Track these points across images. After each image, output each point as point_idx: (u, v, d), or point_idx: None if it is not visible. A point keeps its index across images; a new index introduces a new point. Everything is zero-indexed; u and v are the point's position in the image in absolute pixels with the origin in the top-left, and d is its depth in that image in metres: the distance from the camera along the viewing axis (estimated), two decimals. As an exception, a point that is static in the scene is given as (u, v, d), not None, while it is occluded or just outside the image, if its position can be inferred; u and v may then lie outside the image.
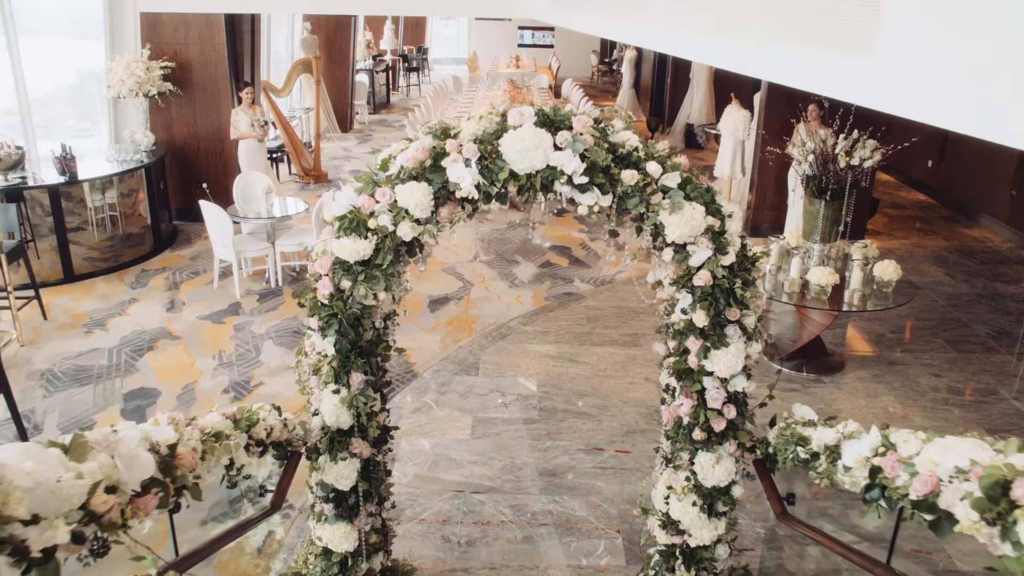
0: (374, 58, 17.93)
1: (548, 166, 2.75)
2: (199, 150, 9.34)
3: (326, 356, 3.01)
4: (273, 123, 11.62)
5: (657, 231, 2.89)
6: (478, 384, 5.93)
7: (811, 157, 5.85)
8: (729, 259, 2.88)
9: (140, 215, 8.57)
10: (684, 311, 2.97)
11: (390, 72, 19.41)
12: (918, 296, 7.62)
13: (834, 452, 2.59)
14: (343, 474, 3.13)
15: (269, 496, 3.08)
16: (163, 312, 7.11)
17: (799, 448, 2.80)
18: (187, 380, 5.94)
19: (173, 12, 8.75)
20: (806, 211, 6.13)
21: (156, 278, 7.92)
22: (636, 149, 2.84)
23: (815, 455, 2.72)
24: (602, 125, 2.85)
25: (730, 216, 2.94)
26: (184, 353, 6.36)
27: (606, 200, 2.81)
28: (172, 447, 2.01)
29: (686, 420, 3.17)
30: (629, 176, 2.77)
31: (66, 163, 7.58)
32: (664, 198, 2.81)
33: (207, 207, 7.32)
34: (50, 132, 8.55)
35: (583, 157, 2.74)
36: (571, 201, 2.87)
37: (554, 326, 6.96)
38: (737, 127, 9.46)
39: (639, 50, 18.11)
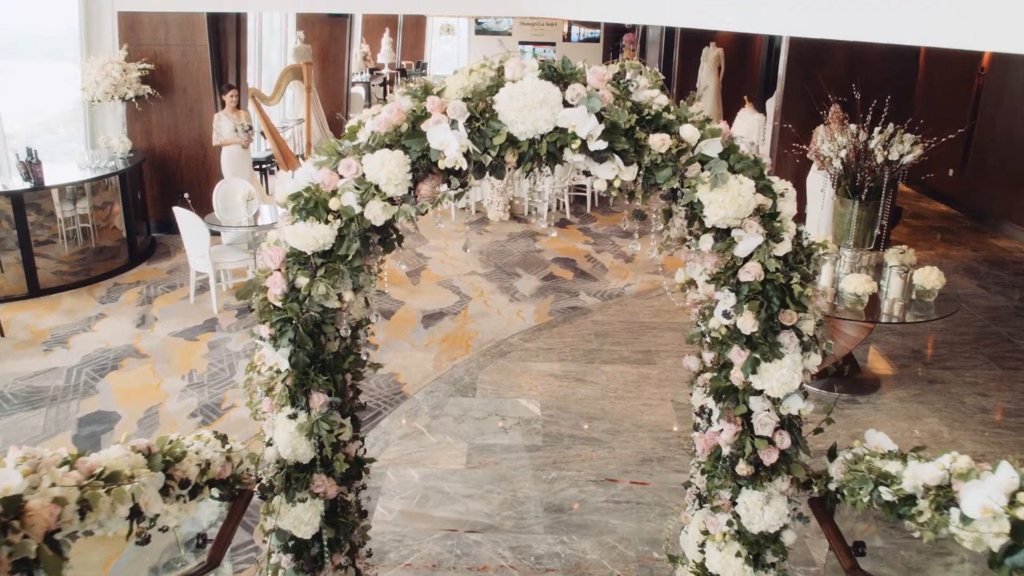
0: (371, 71, 17.47)
1: (556, 128, 2.17)
2: (180, 158, 8.80)
3: (279, 372, 2.41)
4: (262, 132, 11.09)
5: (694, 212, 2.29)
6: (475, 407, 5.32)
7: (843, 153, 5.27)
8: (784, 247, 2.29)
9: (115, 227, 8.02)
10: (727, 314, 2.37)
11: (387, 86, 18.95)
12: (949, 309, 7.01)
13: (942, 495, 1.97)
14: (303, 519, 2.52)
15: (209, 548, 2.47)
16: (132, 328, 6.51)
17: (882, 488, 2.18)
18: (151, 403, 5.33)
19: (152, 11, 8.25)
20: (837, 213, 5.55)
21: (128, 292, 7.34)
22: (666, 109, 2.25)
23: (909, 498, 2.10)
24: (623, 82, 2.27)
25: (783, 195, 2.36)
26: (150, 373, 5.75)
27: (630, 172, 2.22)
28: (14, 500, 1.41)
29: (727, 450, 2.56)
30: (659, 141, 2.18)
31: (31, 168, 7.02)
32: (703, 170, 2.22)
33: (181, 214, 6.75)
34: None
35: (600, 118, 2.16)
36: (586, 174, 2.28)
37: (559, 343, 6.36)
38: (751, 130, 8.91)
39: (644, 60, 17.67)
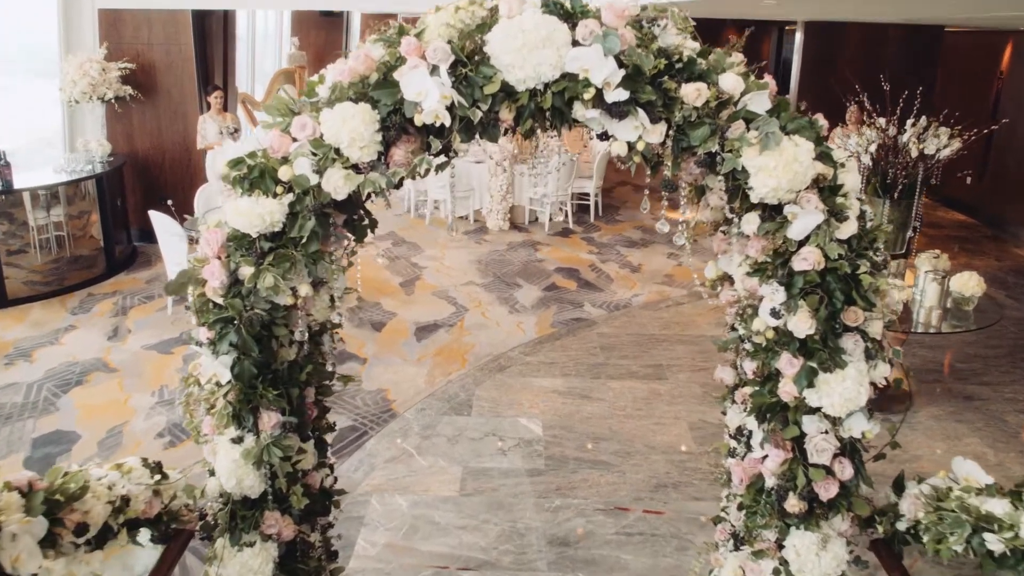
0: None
1: (564, 75, 1.72)
2: (164, 163, 8.37)
3: (219, 385, 1.94)
4: (252, 139, 10.66)
5: (736, 184, 1.83)
6: (470, 426, 4.84)
7: (873, 147, 4.83)
8: (849, 228, 1.83)
9: (92, 236, 7.58)
10: (775, 313, 1.90)
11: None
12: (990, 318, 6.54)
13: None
14: (251, 567, 2.04)
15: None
16: (103, 341, 6.04)
17: (987, 535, 1.71)
18: (116, 421, 4.85)
19: (135, 8, 7.85)
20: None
21: (102, 303, 6.87)
22: (701, 54, 1.80)
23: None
24: (648, 23, 1.82)
25: (843, 165, 1.90)
26: (118, 388, 5.28)
27: (657, 132, 1.76)
28: None
29: (772, 482, 2.08)
30: (693, 92, 1.73)
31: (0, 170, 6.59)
32: (749, 129, 1.77)
33: (158, 218, 6.31)
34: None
35: (619, 62, 1.70)
36: (602, 136, 1.82)
37: (562, 356, 5.89)
38: (763, 135, 8.48)
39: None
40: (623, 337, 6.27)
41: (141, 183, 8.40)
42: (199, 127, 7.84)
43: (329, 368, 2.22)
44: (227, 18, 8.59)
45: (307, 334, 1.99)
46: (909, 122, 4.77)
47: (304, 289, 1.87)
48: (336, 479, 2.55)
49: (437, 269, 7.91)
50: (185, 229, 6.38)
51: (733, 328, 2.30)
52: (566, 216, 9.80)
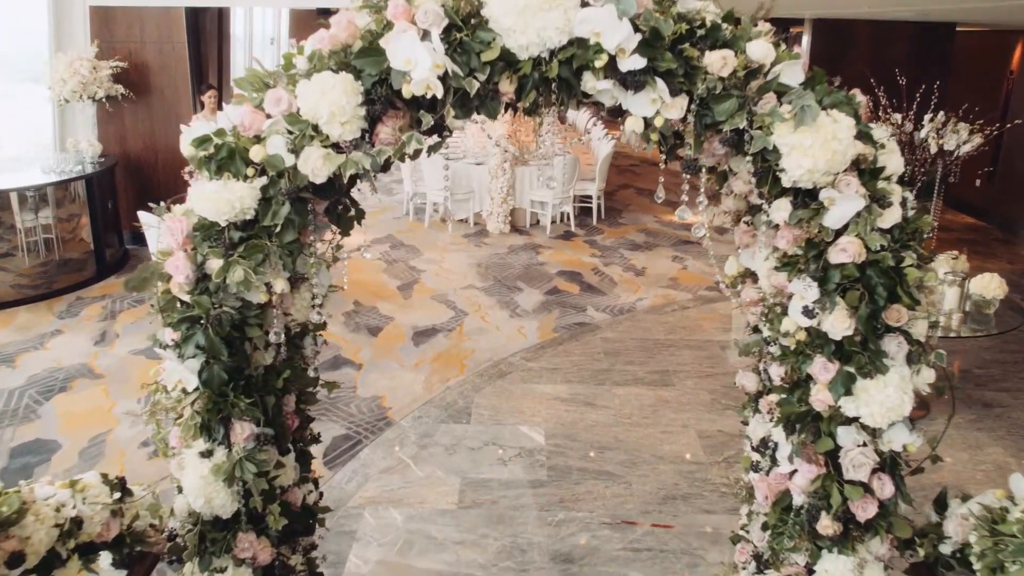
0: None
1: (573, 39, 1.52)
2: (157, 164, 8.18)
3: (186, 393, 1.74)
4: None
5: (767, 165, 1.63)
6: (469, 435, 4.62)
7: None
8: (892, 216, 1.63)
9: (82, 239, 7.38)
10: (808, 311, 1.70)
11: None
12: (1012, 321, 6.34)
13: None
14: (222, 595, 1.83)
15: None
16: (89, 346, 5.84)
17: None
18: (99, 429, 4.64)
19: (127, 6, 7.67)
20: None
21: (91, 307, 6.67)
22: (726, 19, 1.60)
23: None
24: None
25: (883, 146, 1.70)
26: (103, 395, 5.07)
27: (677, 106, 1.56)
28: None
29: (801, 499, 1.87)
30: (719, 60, 1.53)
31: (-15, 171, 6.39)
32: (781, 103, 1.56)
33: (147, 219, 6.11)
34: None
35: (635, 27, 1.50)
36: (614, 112, 1.62)
37: (565, 362, 5.68)
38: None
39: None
40: (628, 342, 6.06)
41: (133, 185, 8.20)
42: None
43: (312, 374, 2.01)
44: (221, 16, 8.42)
45: (284, 336, 1.78)
46: (927, 117, 4.58)
47: (280, 285, 1.66)
48: (322, 495, 2.34)
49: (436, 272, 7.71)
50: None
51: (756, 329, 2.09)
52: (568, 219, 9.60)
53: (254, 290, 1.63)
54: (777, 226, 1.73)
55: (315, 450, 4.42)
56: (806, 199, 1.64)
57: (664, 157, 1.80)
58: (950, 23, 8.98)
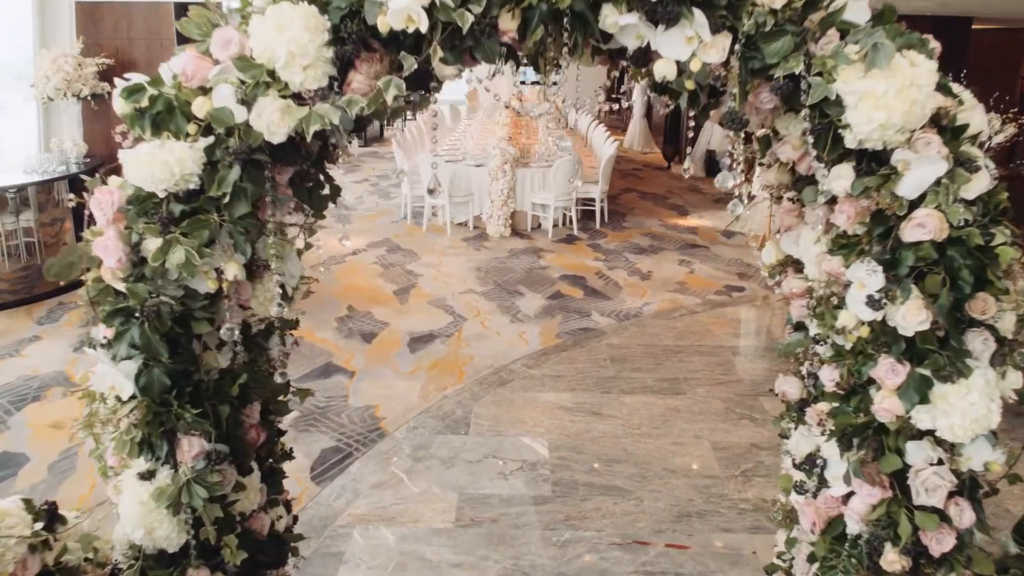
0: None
1: (589, -40, 1.22)
2: (145, 165, 7.89)
3: (121, 401, 1.44)
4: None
5: (826, 122, 1.33)
6: (468, 447, 4.32)
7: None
8: (979, 185, 1.33)
9: (66, 243, 7.09)
10: (874, 301, 1.40)
11: (384, 105, 18.19)
12: None
13: None
14: (168, 643, 1.52)
15: None
16: (68, 353, 5.53)
17: None
18: (72, 442, 4.32)
19: (115, 0, 7.41)
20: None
21: (73, 313, 6.37)
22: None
23: None
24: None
25: (961, 102, 1.40)
26: (78, 405, 4.75)
27: (718, 46, 1.27)
28: None
29: (858, 528, 1.57)
30: (770, -11, 1.23)
31: (-39, 170, 6.11)
32: (846, 43, 1.27)
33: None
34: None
35: (665, -52, 1.21)
36: (638, 59, 1.32)
37: (569, 369, 5.37)
38: (780, 135, 8.00)
39: (651, 77, 16.89)
40: (635, 348, 5.75)
41: (121, 187, 7.91)
42: (181, 126, 7.37)
43: (279, 379, 1.71)
44: (213, 13, 8.15)
45: (240, 333, 1.48)
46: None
47: (232, 270, 1.37)
48: (295, 519, 2.04)
49: (434, 277, 7.41)
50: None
51: (798, 327, 1.79)
52: (570, 222, 9.32)
53: (200, 276, 1.33)
54: (834, 200, 1.43)
55: (302, 464, 4.13)
56: (872, 163, 1.34)
57: (693, 124, 1.50)
58: (966, 18, 8.72)
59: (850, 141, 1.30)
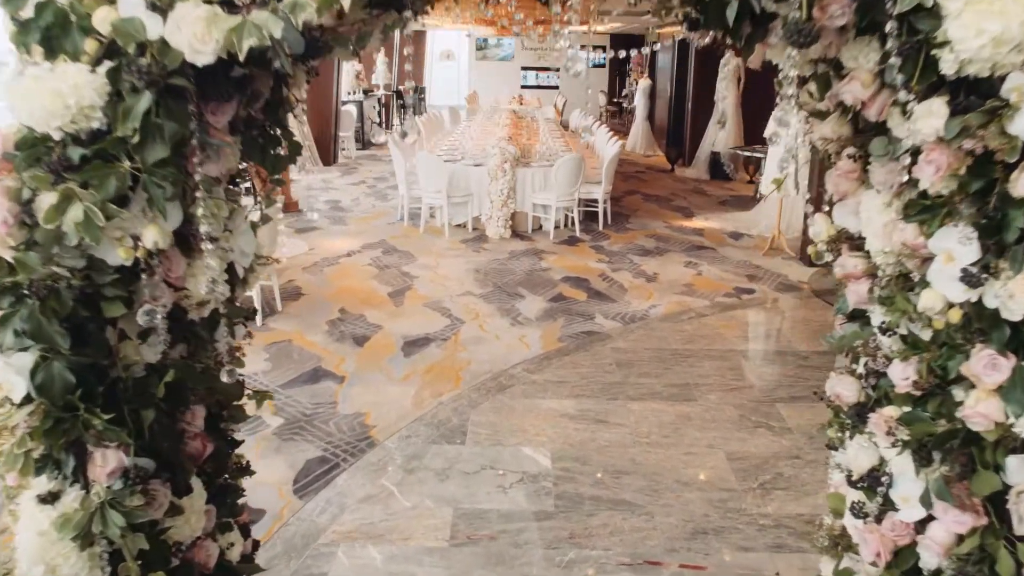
0: (365, 92, 16.45)
1: None
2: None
3: (13, 404, 1.13)
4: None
5: (916, 42, 1.03)
6: (464, 457, 4.01)
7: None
8: (1112, 123, 1.03)
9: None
10: (970, 277, 1.10)
11: (383, 109, 17.96)
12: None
13: None
14: None
15: None
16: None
17: None
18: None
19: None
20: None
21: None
22: None
23: None
24: None
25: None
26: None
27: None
28: None
29: (937, 562, 1.26)
30: None
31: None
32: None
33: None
34: None
35: None
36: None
37: (573, 374, 5.07)
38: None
39: (654, 79, 16.65)
40: (642, 352, 5.45)
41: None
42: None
43: (226, 378, 1.40)
44: None
45: (161, 317, 1.17)
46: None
47: (152, 236, 1.07)
48: (256, 545, 1.72)
49: (430, 279, 7.11)
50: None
51: (855, 315, 1.49)
52: (573, 224, 9.03)
53: (107, 242, 1.03)
54: (915, 153, 1.13)
55: (284, 476, 3.82)
56: (971, 97, 1.04)
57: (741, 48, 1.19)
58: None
59: (948, 65, 1.00)
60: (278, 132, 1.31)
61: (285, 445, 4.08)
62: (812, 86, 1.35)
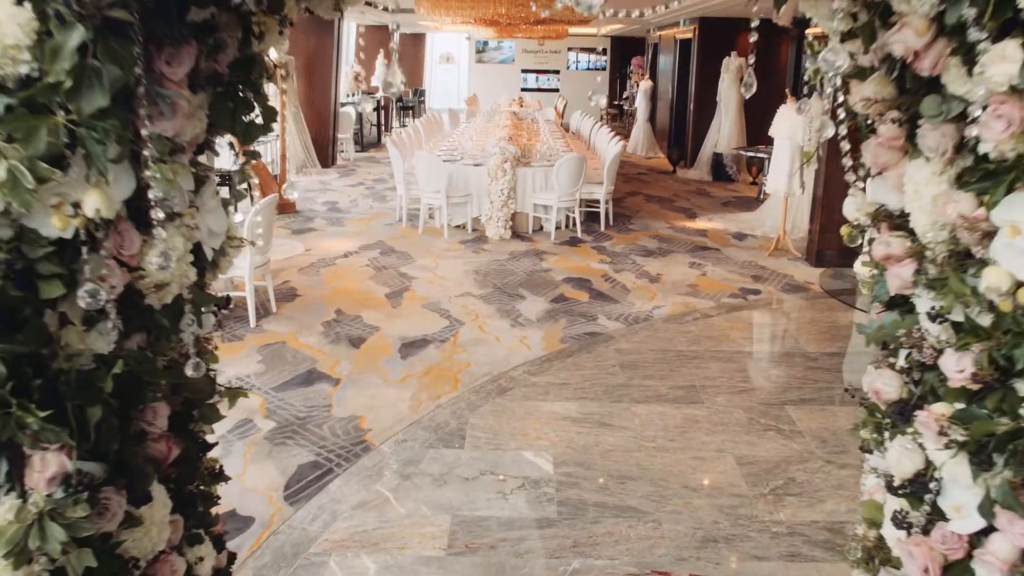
0: (364, 93, 16.30)
1: None
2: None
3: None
4: (230, 143, 9.78)
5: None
6: (463, 462, 3.85)
7: None
8: None
9: None
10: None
11: (382, 111, 17.82)
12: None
13: None
14: None
15: None
16: None
17: None
18: None
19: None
20: None
21: None
22: None
23: None
24: None
25: None
26: None
27: None
28: None
29: (997, 580, 1.10)
30: None
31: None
32: None
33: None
34: None
35: None
36: None
37: (575, 376, 4.91)
38: (795, 130, 7.57)
39: (655, 81, 16.53)
40: (646, 353, 5.29)
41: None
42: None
43: (191, 372, 1.24)
44: None
45: (106, 297, 1.01)
46: None
47: (93, 202, 0.91)
48: (232, 558, 1.57)
49: (429, 280, 6.96)
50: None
51: (895, 303, 1.34)
52: (574, 224, 8.88)
53: (40, 208, 0.88)
54: (961, 117, 0.98)
55: (274, 482, 3.66)
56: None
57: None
58: None
59: (1026, -3, 0.85)
60: (251, 96, 1.16)
61: (277, 450, 3.92)
62: (850, 44, 1.20)
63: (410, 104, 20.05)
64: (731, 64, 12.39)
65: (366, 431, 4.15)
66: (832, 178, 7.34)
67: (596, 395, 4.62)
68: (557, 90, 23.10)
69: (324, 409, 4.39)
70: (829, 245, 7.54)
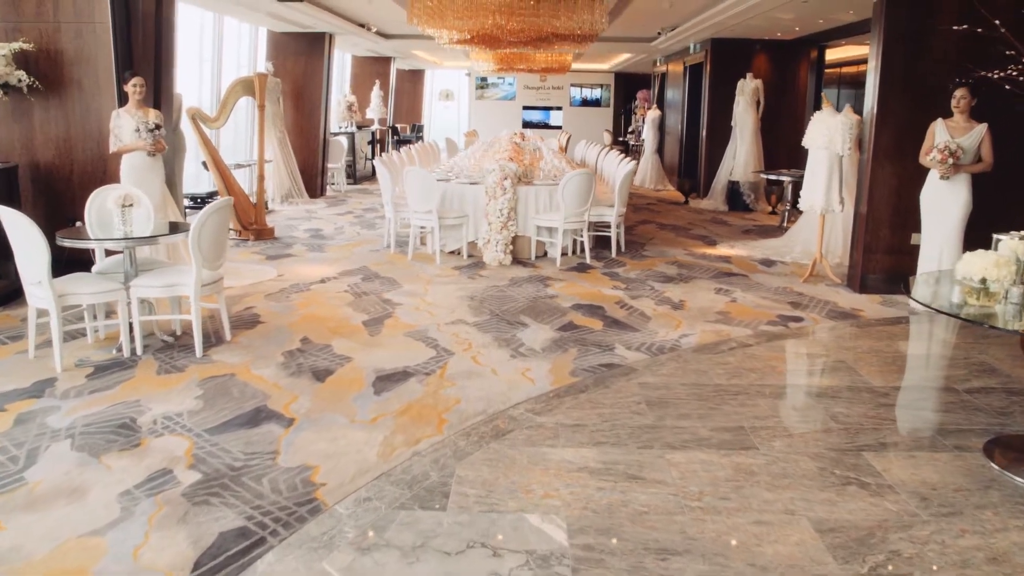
0: (359, 126, 15.56)
1: None
2: (72, 174, 6.57)
3: None
4: (204, 162, 8.95)
5: None
6: (445, 529, 2.82)
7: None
8: None
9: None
10: None
11: (377, 144, 17.08)
12: None
13: None
14: None
15: None
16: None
17: None
18: None
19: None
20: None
21: (-52, 346, 4.95)
22: None
23: None
24: None
25: None
26: None
27: None
28: None
29: None
30: None
31: None
32: None
33: (8, 216, 4.48)
34: None
35: None
36: None
37: (592, 416, 3.90)
38: (833, 137, 6.67)
39: (663, 111, 15.80)
40: (677, 388, 4.29)
41: (43, 199, 6.58)
42: (112, 125, 6.07)
43: None
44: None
45: None
46: None
47: None
48: None
49: (415, 307, 5.98)
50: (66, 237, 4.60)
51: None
52: (582, 250, 7.95)
53: None
54: None
55: (180, 559, 2.61)
56: None
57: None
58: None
59: None
60: None
61: (195, 511, 2.91)
62: None
63: (407, 139, 19.35)
64: (747, 86, 11.62)
65: (318, 486, 3.13)
66: (877, 190, 6.43)
67: (620, 439, 3.60)
68: (560, 127, 22.44)
69: (268, 457, 3.38)
70: (874, 269, 6.59)
